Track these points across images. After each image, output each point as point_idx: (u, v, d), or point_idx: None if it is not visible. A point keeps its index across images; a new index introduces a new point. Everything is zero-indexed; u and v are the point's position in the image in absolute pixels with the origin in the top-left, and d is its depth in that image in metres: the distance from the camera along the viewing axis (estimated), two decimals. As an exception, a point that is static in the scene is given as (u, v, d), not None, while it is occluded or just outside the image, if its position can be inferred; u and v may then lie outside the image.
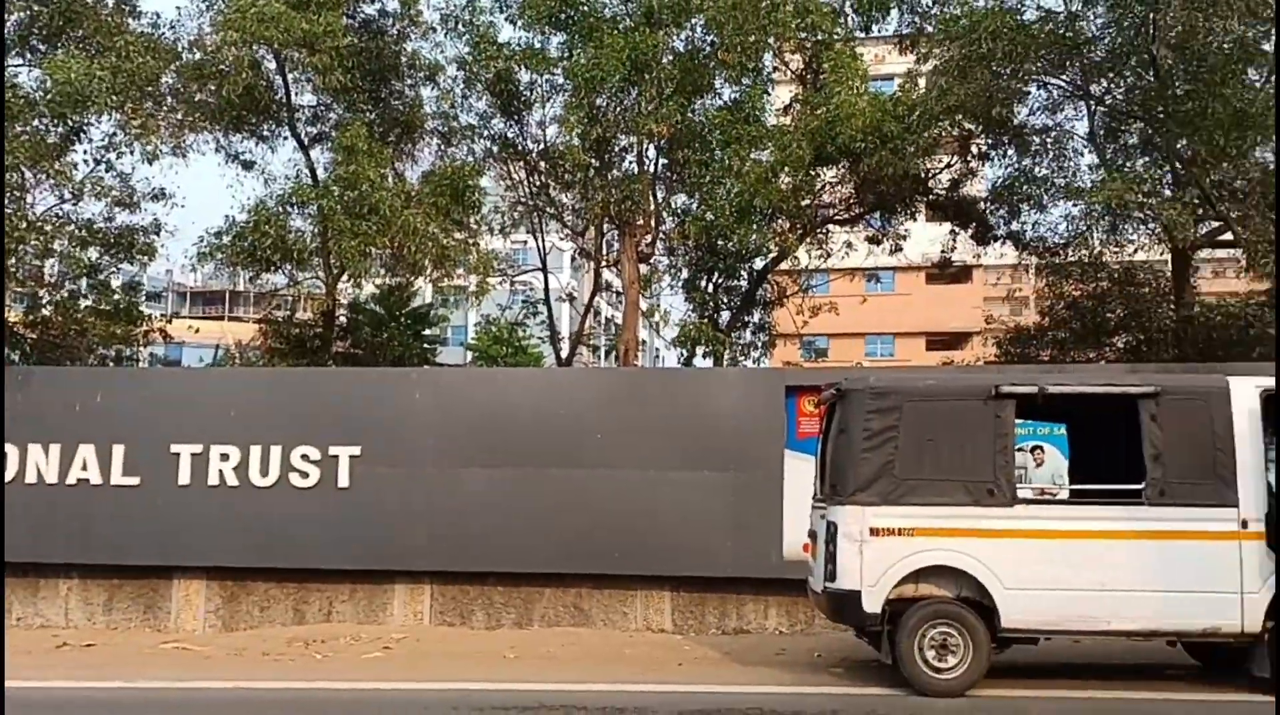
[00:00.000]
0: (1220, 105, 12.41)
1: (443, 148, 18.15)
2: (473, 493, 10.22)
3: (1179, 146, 13.68)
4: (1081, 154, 16.80)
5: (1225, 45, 12.58)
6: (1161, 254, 17.57)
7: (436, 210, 15.12)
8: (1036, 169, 16.76)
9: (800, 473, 9.50)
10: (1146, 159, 15.03)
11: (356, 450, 10.36)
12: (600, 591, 10.22)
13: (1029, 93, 15.73)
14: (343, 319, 19.28)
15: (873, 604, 7.21)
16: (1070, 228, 17.13)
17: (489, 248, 17.46)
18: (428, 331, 23.08)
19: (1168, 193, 14.52)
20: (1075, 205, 16.24)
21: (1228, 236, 14.91)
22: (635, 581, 10.17)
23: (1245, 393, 7.39)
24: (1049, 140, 16.60)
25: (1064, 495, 8.44)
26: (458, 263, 16.20)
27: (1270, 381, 7.57)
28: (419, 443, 10.40)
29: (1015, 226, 17.83)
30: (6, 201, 12.94)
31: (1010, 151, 16.85)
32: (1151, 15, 12.71)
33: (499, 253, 18.54)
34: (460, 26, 16.55)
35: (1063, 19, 14.13)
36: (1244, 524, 7.16)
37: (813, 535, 8.10)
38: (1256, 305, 15.69)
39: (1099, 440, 8.50)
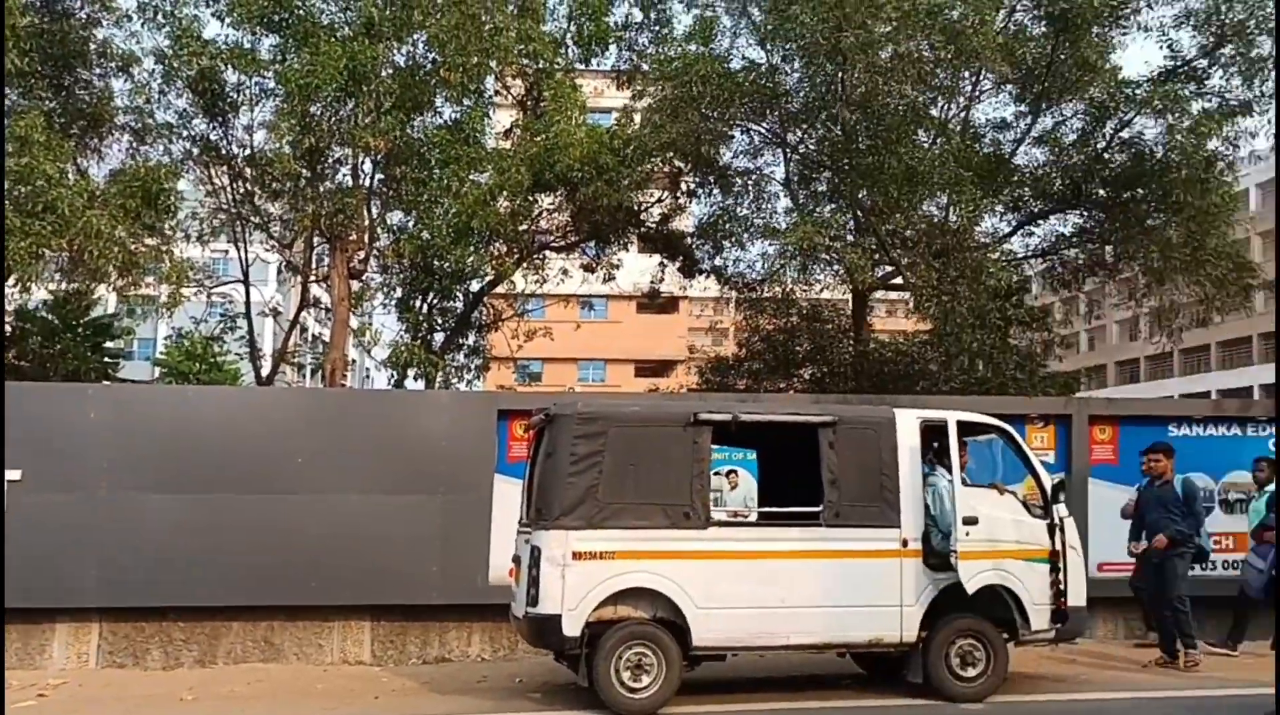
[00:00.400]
0: (895, 162, 13.75)
1: (135, 146, 16.76)
2: (154, 521, 9.40)
3: (860, 196, 15.01)
4: (778, 197, 18.10)
5: (900, 108, 13.99)
6: (844, 294, 19.20)
7: (125, 212, 13.88)
8: (738, 208, 17.85)
9: (510, 497, 9.46)
10: (833, 206, 16.37)
11: (16, 475, 9.25)
12: (294, 624, 9.71)
13: (733, 136, 16.74)
14: (7, 328, 17.28)
15: (573, 627, 7.31)
16: (766, 265, 18.37)
17: (184, 256, 16.25)
18: (110, 344, 21.16)
19: (850, 238, 15.91)
20: (771, 244, 17.42)
21: (899, 280, 16.55)
22: (333, 612, 9.75)
23: (908, 423, 8.16)
24: (750, 182, 17.73)
25: (754, 517, 8.99)
26: (147, 270, 14.98)
27: (928, 413, 8.45)
28: (93, 466, 9.44)
29: (719, 261, 18.89)
30: None
31: (716, 190, 17.84)
32: (840, 75, 13.91)
33: (195, 262, 17.33)
34: (160, 17, 15.38)
35: (764, 70, 15.20)
36: (904, 543, 7.88)
37: (517, 560, 8.11)
38: (920, 343, 17.47)
39: (786, 465, 9.03)
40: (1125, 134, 15.59)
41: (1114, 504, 10.35)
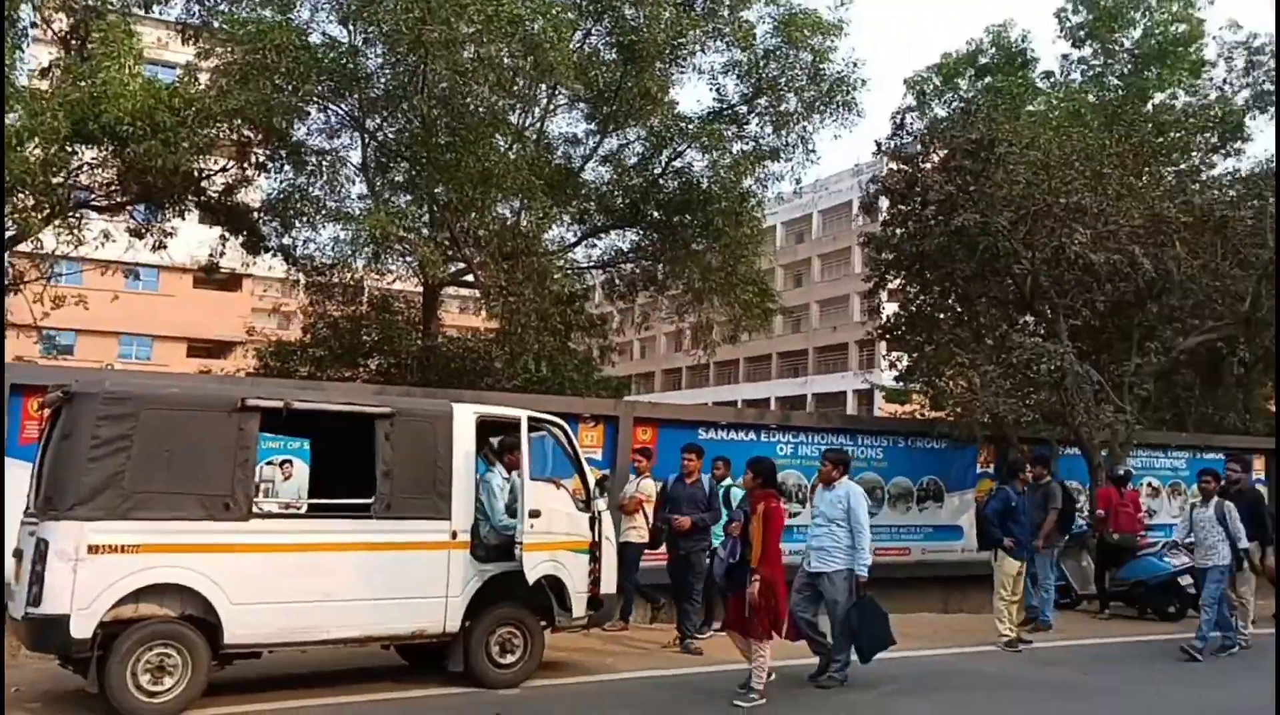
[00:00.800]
0: (472, 161, 14.01)
1: None
2: None
3: (437, 191, 15.10)
4: (354, 182, 17.68)
5: (480, 109, 14.29)
6: (416, 286, 19.20)
7: None
8: (311, 188, 17.20)
9: (22, 483, 8.33)
10: (410, 198, 16.32)
11: None
12: None
13: (310, 113, 16.11)
14: None
15: (83, 629, 6.57)
16: (338, 250, 17.87)
17: None
18: None
19: (425, 231, 15.96)
20: (344, 229, 16.98)
21: (470, 278, 16.87)
22: None
23: (464, 418, 8.33)
24: (325, 163, 17.14)
25: (304, 509, 8.70)
26: None
27: (488, 408, 8.70)
28: None
29: (287, 240, 18.07)
30: None
31: (287, 166, 17.04)
32: (423, 68, 13.89)
33: None
34: None
35: (346, 50, 14.80)
36: (454, 535, 8.01)
37: (18, 554, 7.16)
38: (487, 341, 17.93)
39: (344, 456, 8.80)
40: (678, 163, 17.20)
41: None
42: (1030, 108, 21.08)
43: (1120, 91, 21.42)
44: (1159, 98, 21.65)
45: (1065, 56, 23.41)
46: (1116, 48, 22.33)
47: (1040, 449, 13.92)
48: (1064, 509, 12.19)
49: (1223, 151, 20.96)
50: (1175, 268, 13.90)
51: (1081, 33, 22.69)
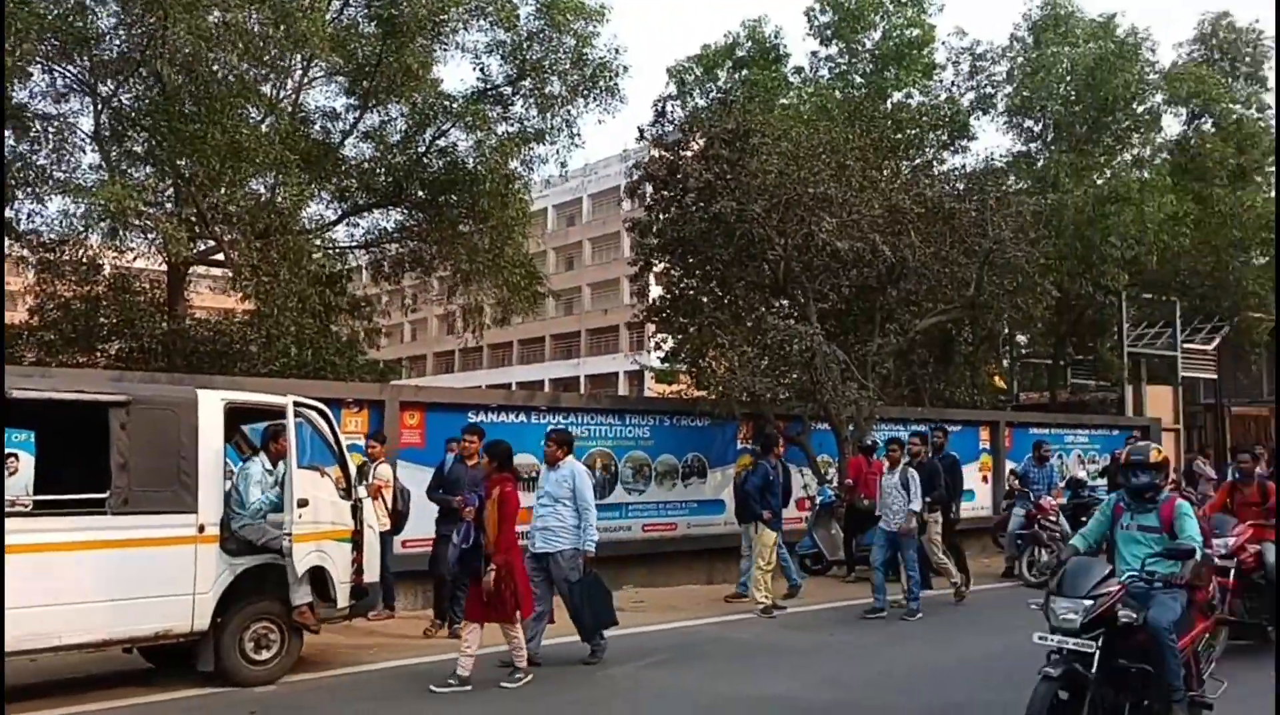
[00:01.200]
0: (219, 133, 13.20)
1: None
2: None
3: (181, 164, 14.13)
4: (85, 151, 16.27)
5: (228, 78, 13.47)
6: (160, 265, 17.90)
7: None
8: (35, 157, 15.70)
9: None
10: (150, 170, 15.19)
11: None
12: None
13: (32, 74, 14.68)
14: None
15: None
16: (68, 225, 16.42)
17: None
18: None
19: (169, 207, 14.91)
20: (75, 203, 15.62)
21: (221, 257, 15.92)
22: None
23: (211, 405, 7.89)
24: (51, 129, 15.69)
25: (28, 506, 7.98)
26: None
27: (235, 394, 8.27)
28: None
29: (9, 214, 16.40)
30: None
31: (7, 132, 15.44)
32: (163, 30, 12.94)
33: None
34: None
35: (72, 6, 13.56)
36: (201, 529, 7.61)
37: None
38: (241, 324, 17.00)
39: (76, 449, 8.19)
40: (442, 142, 16.92)
41: (420, 484, 10.92)
42: (783, 101, 22.12)
43: (863, 89, 22.84)
44: (896, 97, 23.23)
45: (814, 54, 24.67)
46: (859, 48, 23.76)
47: (793, 426, 14.72)
48: (784, 483, 13.00)
49: (951, 149, 22.80)
50: (910, 255, 15.00)
51: (828, 32, 23.97)
